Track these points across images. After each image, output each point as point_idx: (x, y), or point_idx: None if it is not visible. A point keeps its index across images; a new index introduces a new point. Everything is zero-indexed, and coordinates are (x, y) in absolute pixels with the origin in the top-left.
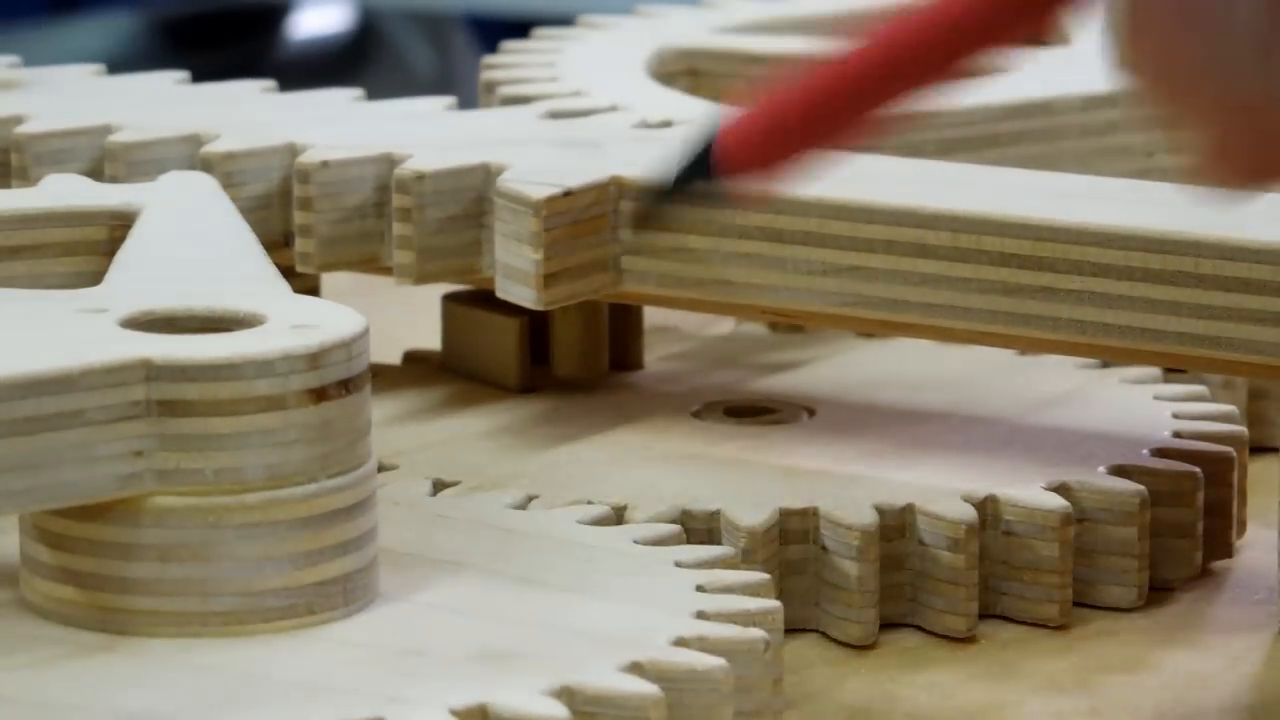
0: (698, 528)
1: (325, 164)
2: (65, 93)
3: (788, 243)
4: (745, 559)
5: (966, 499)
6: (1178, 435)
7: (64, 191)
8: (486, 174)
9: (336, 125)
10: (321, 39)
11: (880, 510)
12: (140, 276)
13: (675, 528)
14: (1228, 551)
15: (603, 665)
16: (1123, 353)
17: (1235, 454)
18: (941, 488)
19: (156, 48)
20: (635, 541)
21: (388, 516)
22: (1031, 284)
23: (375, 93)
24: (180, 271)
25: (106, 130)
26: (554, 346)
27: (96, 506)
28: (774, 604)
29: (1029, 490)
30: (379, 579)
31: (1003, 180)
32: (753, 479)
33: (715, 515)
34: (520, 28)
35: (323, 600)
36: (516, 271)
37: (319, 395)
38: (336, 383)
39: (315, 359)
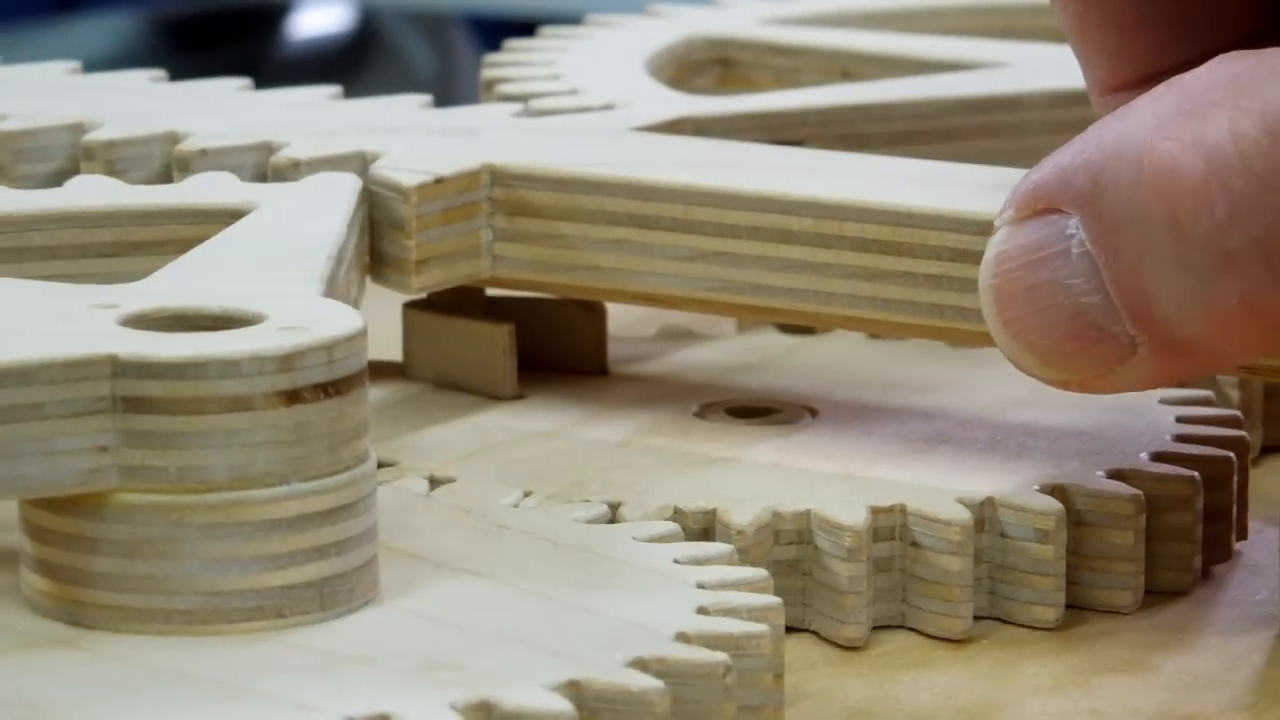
0: (696, 528)
1: (204, 152)
2: None
3: (655, 229)
4: (743, 558)
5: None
6: (1179, 439)
7: (198, 188)
8: (362, 161)
9: (219, 114)
10: (321, 39)
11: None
12: (181, 274)
13: (675, 525)
14: (1226, 555)
15: (600, 667)
16: (980, 337)
17: (1235, 458)
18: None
19: (156, 48)
20: (641, 539)
21: (404, 520)
22: (892, 269)
23: (375, 92)
24: (225, 271)
25: None
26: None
27: (66, 500)
28: (774, 599)
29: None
30: (373, 584)
31: (866, 166)
32: (768, 479)
33: (711, 514)
34: (520, 27)
35: (294, 604)
36: (390, 258)
37: (291, 398)
38: (313, 386)
39: (288, 361)
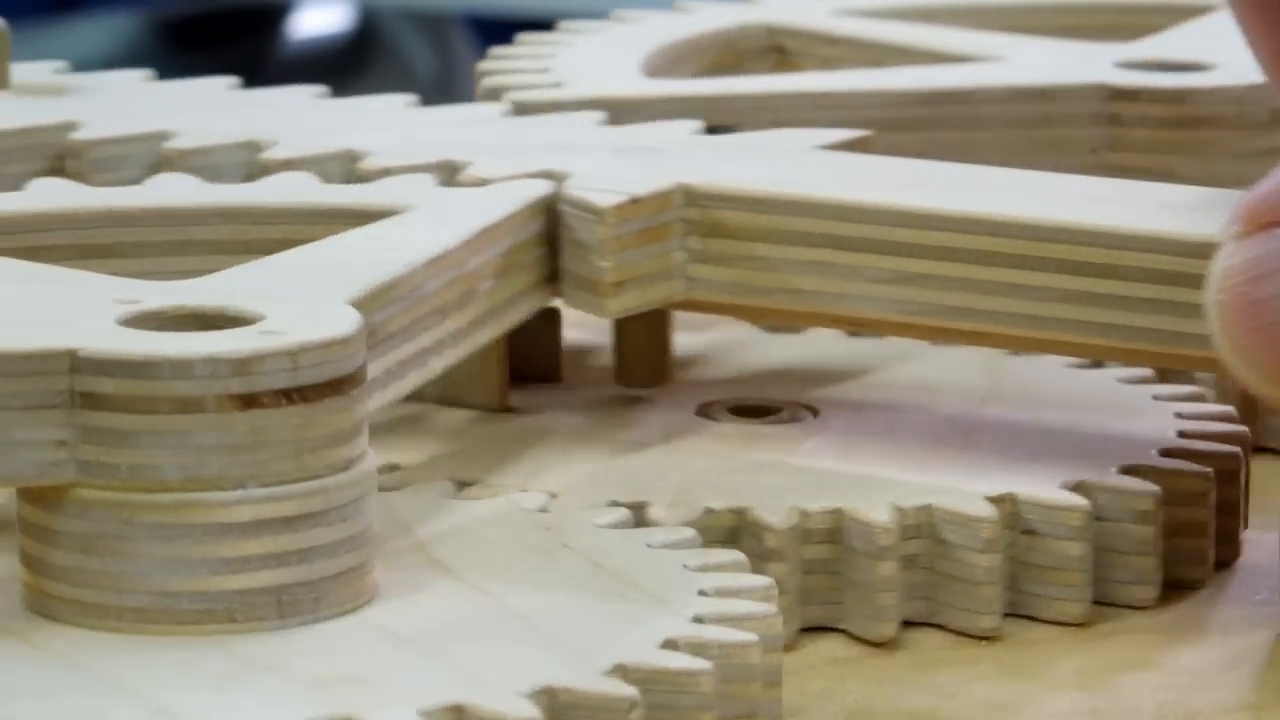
0: (822, 528)
1: (386, 170)
2: (116, 98)
3: (856, 250)
4: (777, 559)
5: (990, 499)
6: (1183, 435)
7: (378, 189)
8: (550, 182)
9: (391, 131)
10: (321, 39)
11: (908, 510)
12: (244, 274)
13: (739, 555)
14: (1235, 550)
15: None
16: (1200, 362)
17: (1242, 453)
18: (969, 488)
19: (156, 48)
20: (650, 545)
21: (473, 533)
22: (1105, 292)
23: (376, 93)
24: (282, 272)
25: (162, 136)
26: (621, 356)
27: (36, 492)
28: (770, 608)
29: (1049, 490)
30: (353, 594)
31: (1071, 187)
32: (789, 479)
33: (743, 514)
34: (520, 27)
35: (248, 610)
36: (584, 280)
37: (247, 402)
38: (273, 391)
39: (243, 365)
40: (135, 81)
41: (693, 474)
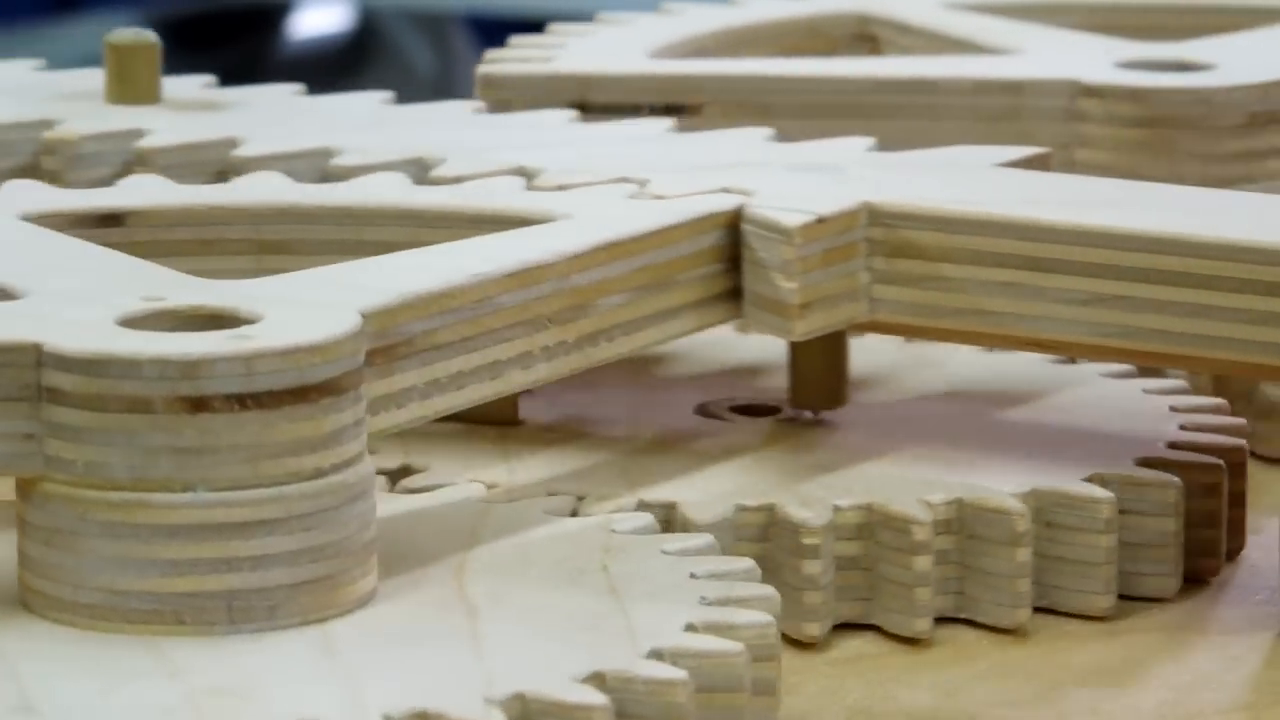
0: (849, 525)
1: (561, 188)
2: (272, 114)
3: (1048, 271)
4: (924, 551)
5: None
6: (1184, 429)
7: (565, 198)
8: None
9: (559, 149)
10: (321, 39)
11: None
12: (293, 278)
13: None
14: (1243, 541)
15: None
16: None
17: (1247, 446)
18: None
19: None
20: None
21: (531, 551)
22: None
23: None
24: (336, 278)
25: (326, 154)
26: (795, 377)
27: (20, 482)
28: (768, 589)
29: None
30: (320, 605)
31: (1271, 206)
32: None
33: (872, 509)
34: (520, 27)
35: (196, 613)
36: (768, 301)
37: (196, 405)
38: (225, 395)
39: (192, 368)
40: (286, 96)
41: (807, 475)
